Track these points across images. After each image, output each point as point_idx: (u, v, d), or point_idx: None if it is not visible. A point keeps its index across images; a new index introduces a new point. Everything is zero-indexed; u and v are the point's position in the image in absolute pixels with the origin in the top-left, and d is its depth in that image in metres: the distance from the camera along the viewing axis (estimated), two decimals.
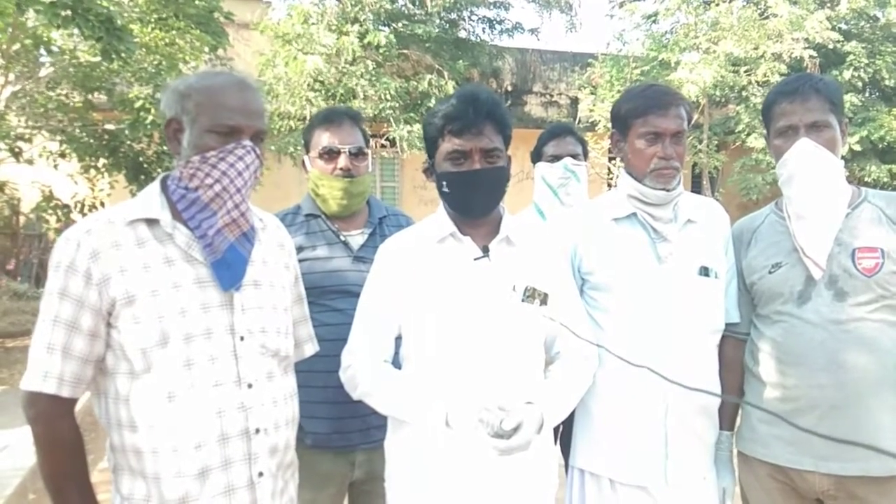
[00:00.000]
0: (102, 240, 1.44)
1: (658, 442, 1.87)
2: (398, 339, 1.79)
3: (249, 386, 1.51)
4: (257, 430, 1.51)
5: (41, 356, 1.41)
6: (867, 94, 12.02)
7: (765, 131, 2.02)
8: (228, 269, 1.51)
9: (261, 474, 1.52)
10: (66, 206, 8.50)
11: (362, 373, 1.72)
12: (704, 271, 1.91)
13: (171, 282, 1.46)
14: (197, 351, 1.45)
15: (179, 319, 1.44)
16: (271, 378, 1.57)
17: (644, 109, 1.88)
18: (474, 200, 1.72)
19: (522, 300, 1.67)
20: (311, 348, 1.85)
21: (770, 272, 1.92)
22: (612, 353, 1.56)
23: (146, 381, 1.43)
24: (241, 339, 1.52)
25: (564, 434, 2.52)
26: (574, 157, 2.66)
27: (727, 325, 2.04)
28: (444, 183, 1.72)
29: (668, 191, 1.89)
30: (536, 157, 2.78)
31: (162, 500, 1.43)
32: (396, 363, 1.81)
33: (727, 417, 2.06)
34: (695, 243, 1.93)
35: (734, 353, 2.05)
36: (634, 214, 1.93)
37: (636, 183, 1.92)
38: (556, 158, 2.66)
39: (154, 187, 1.56)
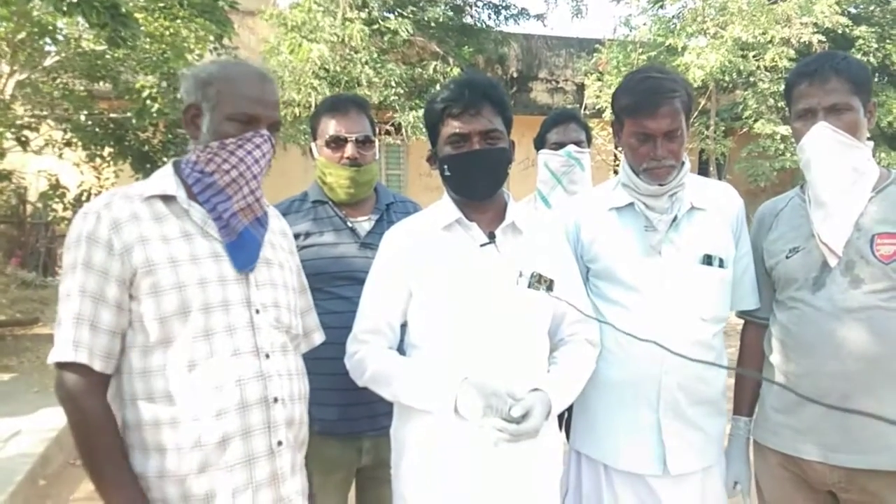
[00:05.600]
0: (122, 212, 1.46)
1: (650, 430, 1.85)
2: (403, 325, 1.80)
3: (267, 356, 1.54)
4: (276, 399, 1.53)
5: (68, 328, 1.40)
6: (877, 79, 11.89)
7: (787, 112, 1.95)
8: (243, 250, 1.55)
9: (280, 443, 1.54)
10: (78, 196, 8.54)
11: (370, 360, 1.73)
12: (707, 259, 1.87)
13: (189, 254, 1.48)
14: (216, 321, 1.48)
15: (199, 290, 1.46)
16: (285, 352, 1.60)
17: (634, 109, 1.82)
18: (476, 182, 1.72)
19: (529, 286, 1.66)
20: (319, 337, 1.86)
21: (787, 257, 1.88)
22: (618, 330, 1.56)
23: (166, 351, 1.44)
24: (257, 311, 1.55)
25: (569, 418, 2.53)
26: (578, 144, 2.61)
27: (748, 311, 1.99)
28: (446, 166, 1.73)
29: (661, 185, 1.86)
30: (539, 143, 2.73)
31: (178, 473, 1.43)
32: (401, 350, 1.81)
33: (745, 402, 2.03)
34: (700, 230, 1.89)
35: (756, 339, 2.00)
36: (632, 204, 1.91)
37: (633, 175, 1.90)
38: (559, 146, 2.61)
39: (167, 169, 1.60)
